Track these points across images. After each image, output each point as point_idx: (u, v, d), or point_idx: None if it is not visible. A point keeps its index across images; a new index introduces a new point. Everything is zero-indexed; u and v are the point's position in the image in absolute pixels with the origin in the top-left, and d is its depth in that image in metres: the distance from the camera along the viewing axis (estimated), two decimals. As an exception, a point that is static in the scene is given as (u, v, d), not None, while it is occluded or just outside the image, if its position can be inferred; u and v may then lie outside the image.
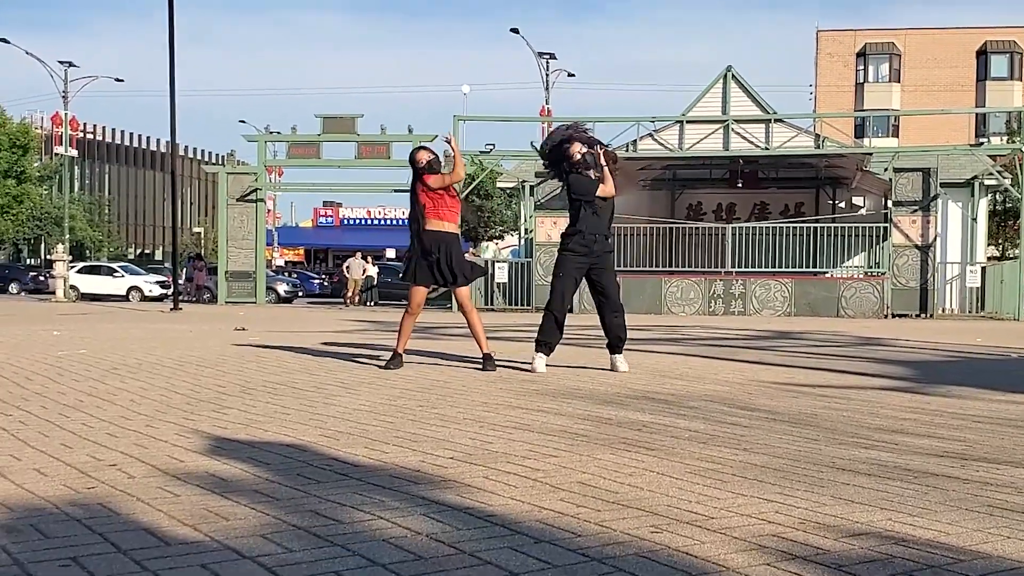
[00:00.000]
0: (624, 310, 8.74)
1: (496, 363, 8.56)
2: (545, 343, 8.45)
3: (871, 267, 30.10)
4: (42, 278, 51.11)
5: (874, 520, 3.36)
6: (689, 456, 4.53)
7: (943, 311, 28.89)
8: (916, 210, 28.13)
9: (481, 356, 8.57)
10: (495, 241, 44.74)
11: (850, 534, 3.18)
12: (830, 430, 5.42)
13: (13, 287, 51.76)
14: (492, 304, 30.64)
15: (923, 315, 27.65)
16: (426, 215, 8.52)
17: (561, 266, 8.46)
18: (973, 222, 30.19)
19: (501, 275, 30.97)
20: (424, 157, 8.58)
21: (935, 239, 28.25)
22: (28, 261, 66.01)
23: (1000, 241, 42.79)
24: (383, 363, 8.66)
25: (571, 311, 8.82)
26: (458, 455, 4.49)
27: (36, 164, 38.00)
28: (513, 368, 8.63)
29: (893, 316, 27.36)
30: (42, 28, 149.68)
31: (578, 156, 8.45)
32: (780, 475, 4.11)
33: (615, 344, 8.61)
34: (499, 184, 43.42)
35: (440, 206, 8.52)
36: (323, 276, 55.92)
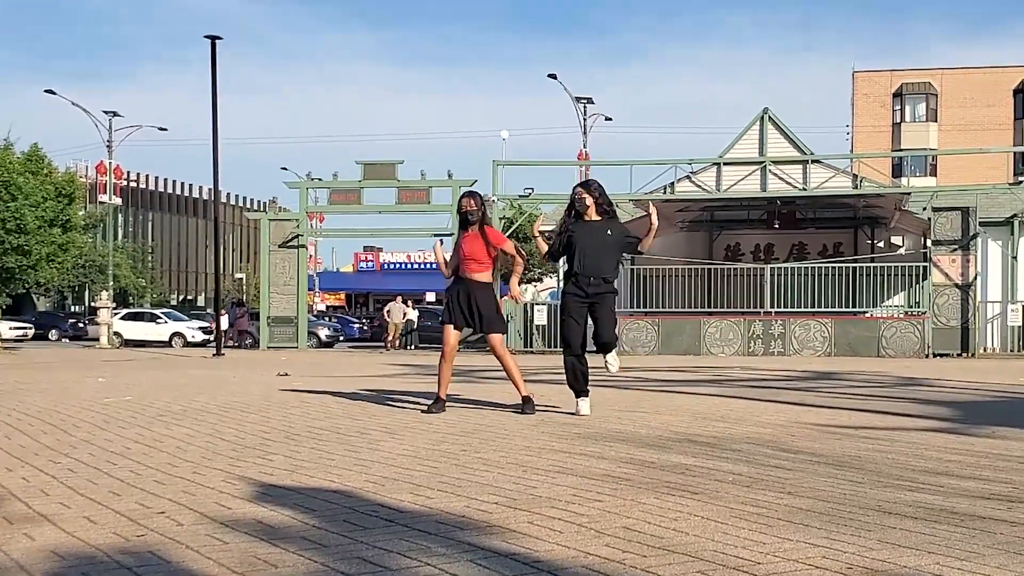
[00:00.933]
0: (615, 342, 8.63)
1: (536, 406, 8.59)
2: (579, 389, 8.50)
3: (911, 307, 29.87)
4: (81, 324, 52.02)
5: (922, 564, 3.35)
6: (733, 500, 4.52)
7: (984, 350, 28.59)
8: (956, 249, 27.95)
9: (520, 399, 8.61)
10: (534, 284, 44.85)
11: (898, 579, 3.16)
12: (875, 472, 5.39)
13: (53, 334, 52.64)
14: (531, 347, 30.65)
15: (964, 354, 27.38)
16: (466, 264, 8.66)
17: (564, 309, 8.57)
18: (1013, 260, 29.88)
19: (540, 318, 30.98)
20: (465, 205, 8.72)
21: (975, 278, 28.03)
22: (72, 308, 66.85)
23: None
24: (425, 407, 8.72)
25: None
26: (502, 500, 4.51)
27: (81, 213, 38.51)
28: (554, 411, 8.64)
29: (934, 355, 27.11)
30: (87, 79, 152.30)
31: (577, 199, 8.56)
32: (826, 519, 4.09)
33: (603, 348, 8.57)
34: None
35: (479, 257, 8.64)
36: (362, 320, 56.07)
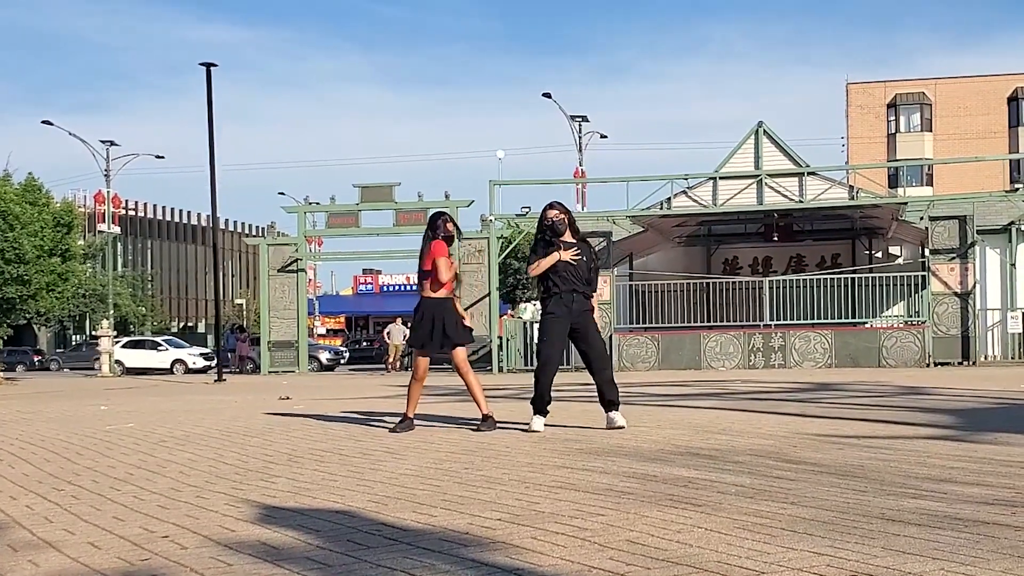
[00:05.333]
0: (611, 365, 8.60)
1: (496, 423, 8.62)
2: (540, 408, 8.48)
3: (911, 316, 29.87)
4: (38, 357, 53.31)
5: (926, 570, 3.35)
6: (736, 511, 4.52)
7: (985, 358, 28.57)
8: (954, 258, 27.97)
9: (480, 416, 8.64)
10: (533, 302, 44.90)
11: (902, 584, 3.17)
12: (878, 481, 5.39)
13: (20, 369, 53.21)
14: (533, 364, 30.61)
15: (965, 363, 27.36)
16: (426, 283, 8.63)
17: (545, 331, 8.57)
18: (1012, 268, 29.90)
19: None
20: (449, 228, 8.66)
21: (974, 286, 28.03)
22: (74, 338, 66.89)
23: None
24: (391, 426, 8.76)
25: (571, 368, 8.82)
26: (505, 516, 4.51)
27: (80, 242, 38.56)
28: (556, 427, 8.62)
29: (935, 364, 27.09)
30: (83, 110, 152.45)
31: (549, 221, 8.50)
32: (829, 528, 4.09)
33: (608, 405, 8.55)
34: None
35: (437, 277, 8.59)
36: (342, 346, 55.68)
